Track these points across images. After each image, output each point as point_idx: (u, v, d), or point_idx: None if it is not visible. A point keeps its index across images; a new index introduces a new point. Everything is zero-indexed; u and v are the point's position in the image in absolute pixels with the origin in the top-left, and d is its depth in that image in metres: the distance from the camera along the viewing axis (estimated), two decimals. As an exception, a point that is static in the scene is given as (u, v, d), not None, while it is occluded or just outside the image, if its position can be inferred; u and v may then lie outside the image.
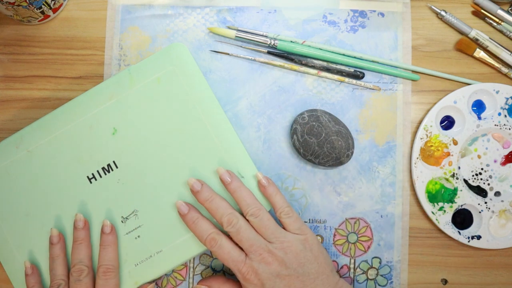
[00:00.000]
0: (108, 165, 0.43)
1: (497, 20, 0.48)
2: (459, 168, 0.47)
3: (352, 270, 0.47)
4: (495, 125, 0.47)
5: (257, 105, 0.47)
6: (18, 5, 0.43)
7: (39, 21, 0.47)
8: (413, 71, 0.48)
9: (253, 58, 0.47)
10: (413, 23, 0.48)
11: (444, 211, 0.46)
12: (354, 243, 0.47)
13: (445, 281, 0.47)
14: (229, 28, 0.48)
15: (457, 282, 0.47)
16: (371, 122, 0.47)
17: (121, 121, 0.43)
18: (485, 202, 0.47)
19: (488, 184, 0.47)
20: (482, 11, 0.48)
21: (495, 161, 0.47)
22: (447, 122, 0.47)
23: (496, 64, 0.48)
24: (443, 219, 0.46)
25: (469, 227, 0.47)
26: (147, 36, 0.48)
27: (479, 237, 0.46)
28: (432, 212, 0.46)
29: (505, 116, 0.47)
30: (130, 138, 0.43)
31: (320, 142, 0.44)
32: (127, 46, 0.48)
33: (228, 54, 0.47)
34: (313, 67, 0.47)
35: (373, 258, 0.47)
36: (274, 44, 0.47)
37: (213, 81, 0.47)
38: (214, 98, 0.44)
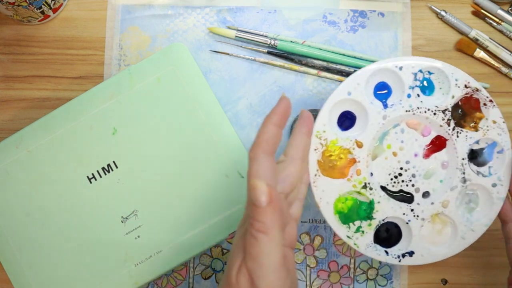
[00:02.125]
0: (108, 165, 0.43)
1: (497, 20, 0.48)
2: (371, 174, 0.38)
3: (352, 270, 0.47)
4: (407, 111, 0.37)
5: (257, 105, 0.47)
6: (18, 5, 0.43)
7: (39, 21, 0.47)
8: (413, 71, 0.48)
9: (253, 58, 0.47)
10: (413, 23, 0.48)
11: (363, 232, 0.37)
12: (354, 243, 0.46)
13: (445, 281, 0.47)
14: (229, 28, 0.48)
15: (457, 282, 0.47)
16: (371, 122, 0.47)
17: (121, 121, 0.43)
18: (412, 210, 0.37)
19: (413, 185, 0.38)
20: (482, 11, 0.48)
21: (415, 155, 0.38)
22: (347, 121, 0.38)
23: (496, 64, 0.48)
24: (363, 242, 0.37)
25: (398, 243, 0.38)
26: (147, 36, 0.48)
27: (411, 254, 0.37)
28: (348, 237, 0.37)
29: (418, 95, 0.37)
30: (130, 138, 0.43)
31: (320, 142, 0.44)
32: (127, 46, 0.48)
33: (228, 54, 0.47)
34: (313, 67, 0.47)
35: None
36: (274, 44, 0.47)
37: (213, 81, 0.47)
38: (214, 98, 0.44)
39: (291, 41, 0.47)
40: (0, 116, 0.47)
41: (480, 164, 0.38)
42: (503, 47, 0.47)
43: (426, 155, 0.38)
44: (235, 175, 0.42)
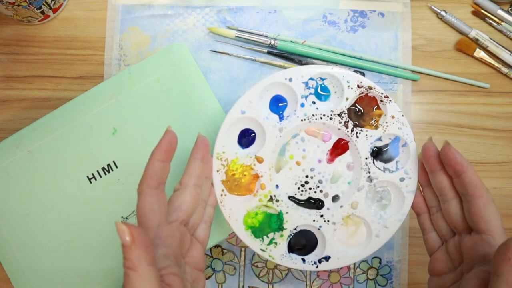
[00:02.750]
0: (108, 165, 0.43)
1: (497, 20, 0.48)
2: (277, 186, 0.38)
3: (352, 270, 0.47)
4: (302, 120, 0.37)
5: (257, 105, 0.47)
6: (18, 5, 0.43)
7: (39, 21, 0.47)
8: (413, 71, 0.48)
9: (253, 58, 0.47)
10: (413, 23, 0.48)
11: (276, 243, 0.38)
12: (354, 243, 0.46)
13: (445, 281, 0.47)
14: (229, 28, 0.48)
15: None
16: (371, 122, 0.47)
17: (121, 121, 0.43)
18: (321, 216, 0.38)
19: (321, 191, 0.38)
20: (482, 11, 0.48)
21: (319, 161, 0.38)
22: (246, 138, 0.39)
23: (496, 64, 0.48)
24: (277, 253, 0.38)
25: (315, 250, 0.38)
26: (147, 36, 0.48)
27: (327, 258, 0.38)
28: (262, 250, 0.38)
29: (313, 103, 0.37)
30: (130, 138, 0.43)
31: (320, 142, 0.44)
32: (127, 46, 0.48)
33: (228, 54, 0.47)
34: (313, 67, 0.47)
35: (373, 258, 0.47)
36: (274, 44, 0.47)
37: (213, 81, 0.47)
38: (214, 98, 0.44)
39: (291, 41, 0.47)
40: (0, 116, 0.47)
41: (387, 161, 0.38)
42: (503, 47, 0.47)
43: (330, 160, 0.39)
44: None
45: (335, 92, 0.38)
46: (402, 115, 0.37)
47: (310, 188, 0.39)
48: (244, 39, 0.47)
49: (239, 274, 0.46)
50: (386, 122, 0.37)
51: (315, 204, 0.38)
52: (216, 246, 0.46)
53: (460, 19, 0.48)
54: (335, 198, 0.39)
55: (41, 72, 0.48)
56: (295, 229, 0.38)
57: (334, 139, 0.38)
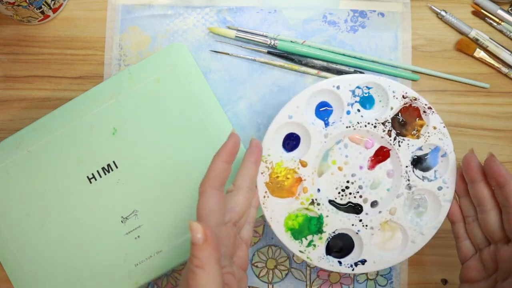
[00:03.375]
0: (108, 165, 0.43)
1: (497, 20, 0.48)
2: (318, 190, 0.39)
3: (352, 270, 0.46)
4: (347, 127, 0.39)
5: (257, 105, 0.47)
6: (18, 5, 0.43)
7: (39, 21, 0.47)
8: (413, 71, 0.48)
9: (253, 58, 0.47)
10: (413, 23, 0.48)
11: (314, 245, 0.39)
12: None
13: (445, 281, 0.47)
14: (229, 28, 0.48)
15: (457, 282, 0.47)
16: (371, 122, 0.47)
17: (121, 121, 0.43)
18: (360, 220, 0.39)
19: (361, 197, 0.39)
20: (482, 11, 0.48)
21: (361, 168, 0.39)
22: (292, 142, 0.40)
23: (496, 64, 0.48)
24: (316, 255, 0.39)
25: (351, 253, 0.39)
26: (147, 36, 0.48)
27: (363, 262, 0.39)
28: (301, 251, 0.39)
29: (358, 110, 0.39)
30: (130, 138, 0.43)
31: (320, 142, 0.44)
32: (127, 46, 0.48)
33: (228, 54, 0.47)
34: (313, 67, 0.47)
35: (373, 258, 0.47)
36: (274, 44, 0.47)
37: (213, 81, 0.47)
38: (214, 98, 0.44)
39: (291, 41, 0.47)
40: (0, 116, 0.47)
41: (425, 169, 0.39)
42: (503, 47, 0.47)
43: (371, 166, 0.40)
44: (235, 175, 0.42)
45: (380, 101, 0.39)
46: (444, 126, 0.39)
47: (350, 193, 0.40)
48: (244, 39, 0.47)
49: (239, 274, 0.46)
50: (428, 133, 0.39)
51: (354, 208, 0.40)
52: (216, 246, 0.46)
53: (460, 19, 0.48)
54: (373, 204, 0.40)
55: (41, 72, 0.48)
56: (333, 232, 0.39)
57: (376, 146, 0.40)
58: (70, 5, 0.48)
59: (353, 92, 0.39)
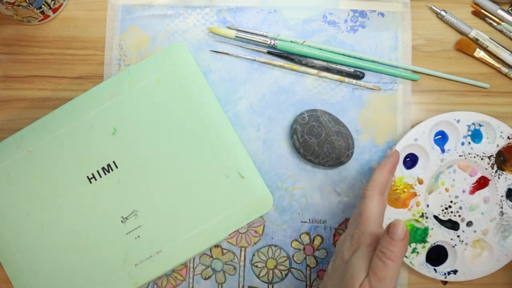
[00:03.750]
0: (108, 165, 0.43)
1: (497, 20, 0.48)
2: (427, 206, 0.45)
3: (352, 270, 0.47)
4: (460, 155, 0.45)
5: (257, 105, 0.47)
6: (18, 5, 0.43)
7: (39, 21, 0.47)
8: (413, 71, 0.48)
9: (253, 58, 0.47)
10: (413, 23, 0.48)
11: (418, 252, 0.45)
12: (354, 243, 0.47)
13: (445, 282, 0.47)
14: (229, 28, 0.48)
15: (457, 282, 0.47)
16: (371, 122, 0.47)
17: (121, 121, 0.43)
18: (458, 236, 0.45)
19: (459, 216, 0.46)
20: (482, 11, 0.48)
21: (463, 191, 0.46)
22: (410, 161, 0.46)
23: (496, 64, 0.48)
24: (417, 261, 0.45)
25: (444, 263, 0.45)
26: (147, 36, 0.48)
27: (455, 272, 0.45)
28: (406, 256, 0.44)
29: (469, 143, 0.45)
30: (130, 138, 0.43)
31: (320, 142, 0.44)
32: (127, 46, 0.48)
33: (228, 54, 0.47)
34: (313, 67, 0.47)
35: (373, 258, 0.47)
36: (274, 44, 0.47)
37: (213, 81, 0.47)
38: (214, 98, 0.44)
39: (291, 41, 0.47)
40: (0, 116, 0.47)
41: None
42: (503, 47, 0.47)
43: (472, 192, 0.46)
44: (235, 175, 0.42)
45: (487, 138, 0.46)
46: None
47: (451, 212, 0.46)
48: (244, 39, 0.47)
49: (239, 274, 0.46)
50: None
51: (452, 225, 0.46)
52: (216, 246, 0.46)
53: (460, 19, 0.48)
54: (468, 224, 0.46)
55: (41, 72, 0.48)
56: (434, 243, 0.45)
57: (479, 175, 0.46)
58: (70, 5, 0.48)
59: (469, 127, 0.45)
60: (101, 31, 0.48)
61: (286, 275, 0.46)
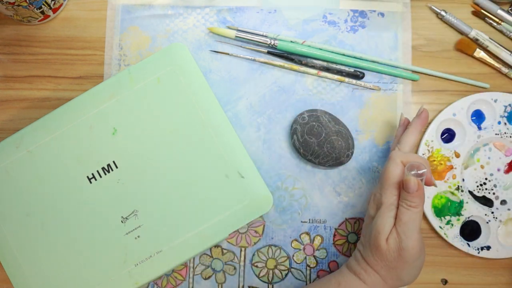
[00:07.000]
0: (108, 165, 0.43)
1: (497, 20, 0.48)
2: (463, 180, 0.47)
3: (352, 270, 0.47)
4: (496, 134, 0.46)
5: (257, 105, 0.47)
6: (18, 5, 0.43)
7: (39, 21, 0.47)
8: (413, 71, 0.48)
9: (253, 58, 0.47)
10: (413, 23, 0.48)
11: (452, 224, 0.46)
12: (354, 243, 0.47)
13: (445, 281, 0.47)
14: (229, 28, 0.48)
15: (457, 282, 0.47)
16: (371, 122, 0.47)
17: (121, 121, 0.43)
18: (492, 212, 0.46)
19: (494, 194, 0.47)
20: (482, 11, 0.48)
21: (498, 170, 0.47)
22: (448, 135, 0.47)
23: (496, 64, 0.48)
24: (451, 233, 0.46)
25: (477, 238, 0.46)
26: (147, 36, 0.48)
27: (488, 248, 0.46)
28: (440, 227, 0.46)
29: (505, 123, 0.47)
30: (130, 138, 0.43)
31: (320, 142, 0.44)
32: (127, 46, 0.48)
33: (228, 54, 0.47)
34: (313, 67, 0.47)
35: (373, 258, 0.47)
36: (274, 44, 0.47)
37: (213, 81, 0.47)
38: (214, 98, 0.44)
39: (291, 41, 0.47)
40: (0, 116, 0.47)
41: None
42: (503, 47, 0.47)
43: (507, 171, 0.47)
44: (235, 175, 0.42)
45: None
46: None
47: (486, 189, 0.47)
48: (244, 39, 0.47)
49: (239, 274, 0.46)
50: None
51: (487, 202, 0.47)
52: (216, 246, 0.46)
53: (460, 19, 0.48)
54: (502, 202, 0.47)
55: (41, 72, 0.48)
56: (469, 217, 0.46)
57: None
58: (70, 5, 0.48)
59: (505, 107, 0.46)
60: (101, 31, 0.48)
61: (286, 275, 0.46)
